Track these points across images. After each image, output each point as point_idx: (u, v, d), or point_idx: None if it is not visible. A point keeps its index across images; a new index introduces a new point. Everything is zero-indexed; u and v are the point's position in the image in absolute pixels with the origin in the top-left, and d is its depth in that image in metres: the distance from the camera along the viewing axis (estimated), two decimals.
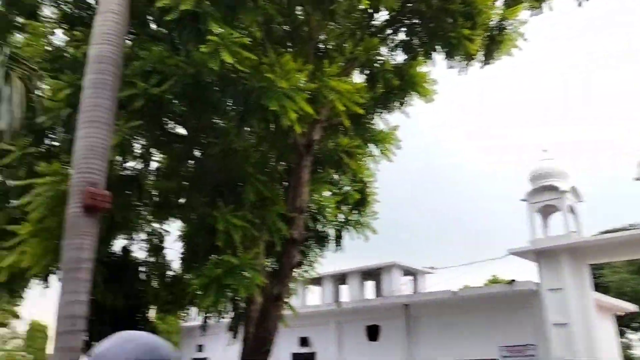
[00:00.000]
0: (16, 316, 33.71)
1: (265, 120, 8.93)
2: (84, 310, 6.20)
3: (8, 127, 4.93)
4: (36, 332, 34.07)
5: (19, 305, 30.93)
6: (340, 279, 23.05)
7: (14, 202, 9.85)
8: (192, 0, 7.93)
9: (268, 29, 10.98)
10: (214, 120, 11.13)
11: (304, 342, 21.48)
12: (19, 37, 11.18)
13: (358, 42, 11.56)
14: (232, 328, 13.44)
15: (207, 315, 12.23)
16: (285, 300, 11.65)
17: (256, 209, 9.80)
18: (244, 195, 9.77)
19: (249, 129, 10.62)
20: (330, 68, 9.69)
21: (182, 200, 12.12)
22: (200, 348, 25.83)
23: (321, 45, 12.15)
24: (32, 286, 12.11)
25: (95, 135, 6.58)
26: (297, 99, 8.36)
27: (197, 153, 11.48)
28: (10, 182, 9.49)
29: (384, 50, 12.38)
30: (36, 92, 6.19)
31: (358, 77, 12.25)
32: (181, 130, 11.75)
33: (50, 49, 11.02)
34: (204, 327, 13.21)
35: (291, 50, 10.76)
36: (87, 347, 12.65)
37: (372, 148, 13.17)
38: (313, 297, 24.32)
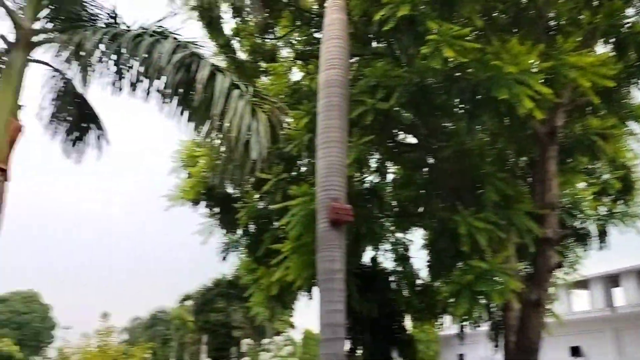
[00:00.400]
0: (291, 326, 38.23)
1: (497, 113, 8.37)
2: (342, 319, 6.58)
3: (258, 156, 5.57)
4: (309, 340, 38.05)
5: (292, 315, 35.01)
6: (612, 280, 20.19)
7: (276, 224, 11.15)
8: (408, 5, 7.95)
9: (488, 19, 10.37)
10: (443, 124, 10.92)
11: (575, 351, 19.32)
12: (264, 80, 12.82)
13: (596, 10, 10.07)
14: (492, 337, 12.81)
15: (462, 323, 11.88)
16: (546, 306, 10.61)
17: (500, 209, 9.18)
18: (484, 196, 9.27)
19: (480, 126, 10.10)
20: (566, 43, 8.63)
21: (420, 209, 12.13)
22: (460, 357, 25.37)
23: (552, 23, 10.95)
24: (300, 298, 13.49)
25: (332, 154, 7.03)
26: (531, 83, 7.62)
27: (429, 159, 11.39)
28: (271, 207, 10.77)
29: (629, 11, 10.53)
30: (282, 124, 6.90)
31: (602, 49, 10.65)
32: (411, 139, 11.84)
33: (289, 84, 12.36)
34: (460, 336, 12.88)
35: (517, 35, 9.94)
36: (351, 354, 13.53)
37: (633, 126, 11.25)
38: (580, 302, 21.78)
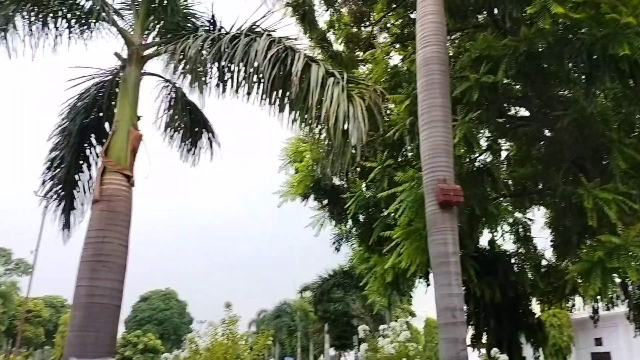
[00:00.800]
0: (412, 314, 37.89)
1: (619, 73, 7.57)
2: (460, 302, 6.34)
3: (358, 142, 5.51)
4: (431, 328, 37.48)
5: (411, 304, 34.66)
6: None
7: (385, 212, 11.05)
8: None
9: None
10: (558, 92, 10.12)
11: None
12: (362, 69, 12.73)
13: None
14: (632, 318, 11.71)
15: (595, 304, 10.98)
16: None
17: (630, 178, 8.33)
18: (610, 166, 8.45)
19: (600, 90, 9.22)
20: None
21: (540, 185, 11.38)
22: (599, 341, 23.52)
23: None
24: (417, 285, 13.28)
25: (436, 134, 6.78)
26: None
27: (546, 131, 10.62)
28: (378, 195, 10.67)
29: None
30: (380, 107, 6.79)
31: None
32: (524, 112, 11.12)
33: (388, 70, 12.14)
34: (594, 318, 11.91)
35: None
36: (476, 340, 13.06)
37: None
38: None
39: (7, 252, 57.19)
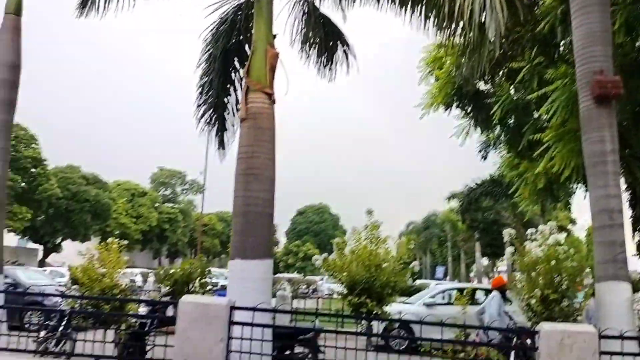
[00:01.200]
0: (572, 221, 35.48)
1: None
2: (618, 204, 5.86)
3: (497, 36, 5.07)
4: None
5: (569, 211, 32.44)
6: None
7: (536, 114, 10.29)
8: None
9: None
10: None
11: None
12: None
13: None
14: None
15: None
16: None
17: None
18: None
19: None
20: None
21: None
22: None
23: None
24: (575, 191, 12.41)
25: (590, 20, 6.00)
26: None
27: None
28: (528, 97, 9.90)
29: None
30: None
31: None
32: None
33: None
34: None
35: None
36: None
37: None
38: None
39: (182, 174, 64.74)
